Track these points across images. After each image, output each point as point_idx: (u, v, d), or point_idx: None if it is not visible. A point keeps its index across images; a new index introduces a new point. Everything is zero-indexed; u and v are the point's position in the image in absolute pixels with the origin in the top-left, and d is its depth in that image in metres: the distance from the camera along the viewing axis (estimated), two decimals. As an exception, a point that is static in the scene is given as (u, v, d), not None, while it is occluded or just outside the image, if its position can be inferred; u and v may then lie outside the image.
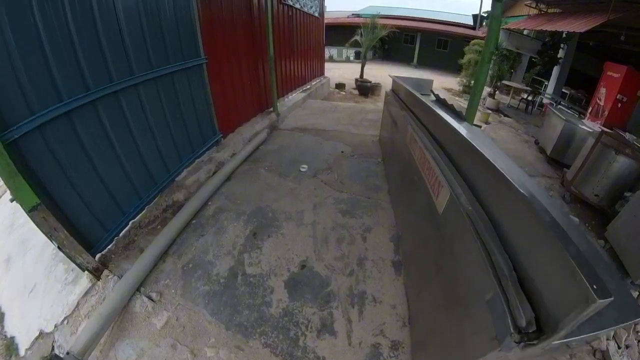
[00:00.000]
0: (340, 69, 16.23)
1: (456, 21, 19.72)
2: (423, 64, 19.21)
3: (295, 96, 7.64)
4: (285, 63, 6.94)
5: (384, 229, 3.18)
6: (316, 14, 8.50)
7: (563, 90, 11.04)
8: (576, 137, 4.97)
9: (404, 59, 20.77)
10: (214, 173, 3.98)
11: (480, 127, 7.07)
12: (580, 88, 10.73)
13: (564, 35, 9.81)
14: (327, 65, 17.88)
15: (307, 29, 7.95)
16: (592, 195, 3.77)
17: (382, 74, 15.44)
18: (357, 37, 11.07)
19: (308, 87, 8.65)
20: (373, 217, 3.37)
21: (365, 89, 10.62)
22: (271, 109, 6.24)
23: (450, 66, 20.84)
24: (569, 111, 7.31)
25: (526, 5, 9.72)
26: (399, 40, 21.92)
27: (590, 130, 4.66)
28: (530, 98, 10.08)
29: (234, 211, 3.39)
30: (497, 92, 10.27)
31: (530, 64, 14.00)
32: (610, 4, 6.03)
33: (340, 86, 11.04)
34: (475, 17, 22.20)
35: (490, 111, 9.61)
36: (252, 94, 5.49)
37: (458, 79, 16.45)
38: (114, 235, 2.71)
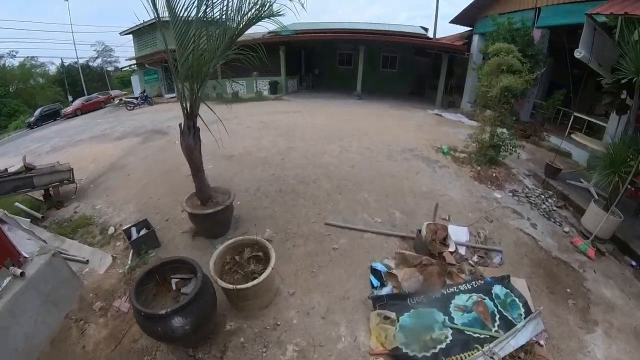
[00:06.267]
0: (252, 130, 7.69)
1: (405, 31, 14.54)
2: (368, 91, 13.59)
3: None
4: None
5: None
6: None
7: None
8: None
9: (341, 87, 15.12)
10: None
11: None
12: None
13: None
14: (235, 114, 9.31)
15: None
16: None
17: (307, 131, 6.39)
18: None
19: None
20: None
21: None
22: None
23: (401, 90, 15.62)
24: None
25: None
26: (333, 61, 16.22)
27: None
28: None
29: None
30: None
31: (550, 83, 8.99)
32: None
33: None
34: (424, 28, 17.53)
35: (608, 256, 3.77)
36: None
37: (465, 122, 10.45)
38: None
